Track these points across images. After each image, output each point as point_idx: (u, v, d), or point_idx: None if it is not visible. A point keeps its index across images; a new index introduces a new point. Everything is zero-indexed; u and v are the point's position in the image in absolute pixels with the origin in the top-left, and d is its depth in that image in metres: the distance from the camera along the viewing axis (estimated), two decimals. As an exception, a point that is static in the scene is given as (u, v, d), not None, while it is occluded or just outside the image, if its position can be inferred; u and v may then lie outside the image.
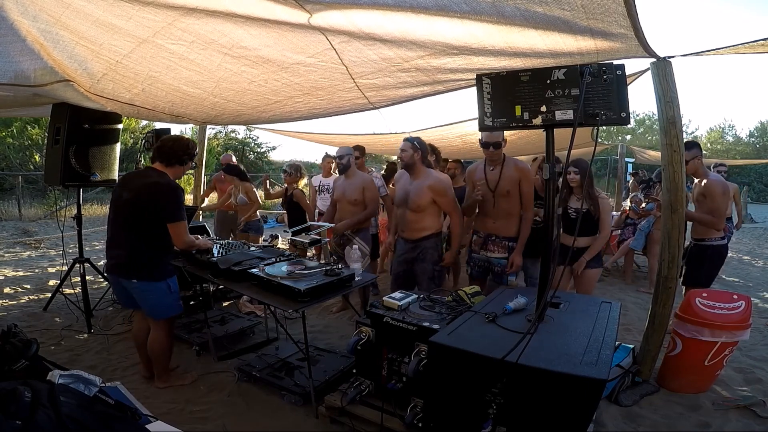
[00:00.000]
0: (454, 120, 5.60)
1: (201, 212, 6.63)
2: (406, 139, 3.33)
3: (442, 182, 3.34)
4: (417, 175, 3.33)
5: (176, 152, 2.66)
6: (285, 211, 5.59)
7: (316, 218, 5.05)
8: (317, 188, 5.48)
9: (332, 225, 3.59)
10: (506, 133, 3.20)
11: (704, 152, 3.62)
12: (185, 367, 3.14)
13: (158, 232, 2.59)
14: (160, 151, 2.67)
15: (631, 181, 8.43)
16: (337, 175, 5.48)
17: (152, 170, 2.68)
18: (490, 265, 3.25)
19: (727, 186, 3.45)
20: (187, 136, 2.93)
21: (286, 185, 5.41)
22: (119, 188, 2.75)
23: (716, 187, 3.32)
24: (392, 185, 5.81)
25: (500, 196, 3.17)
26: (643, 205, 5.74)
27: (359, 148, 4.76)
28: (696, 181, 3.49)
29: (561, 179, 3.33)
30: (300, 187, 5.29)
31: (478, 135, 3.30)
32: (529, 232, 3.20)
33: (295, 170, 5.23)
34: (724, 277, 6.12)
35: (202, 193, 6.50)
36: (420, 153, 3.31)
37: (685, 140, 2.98)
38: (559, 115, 1.78)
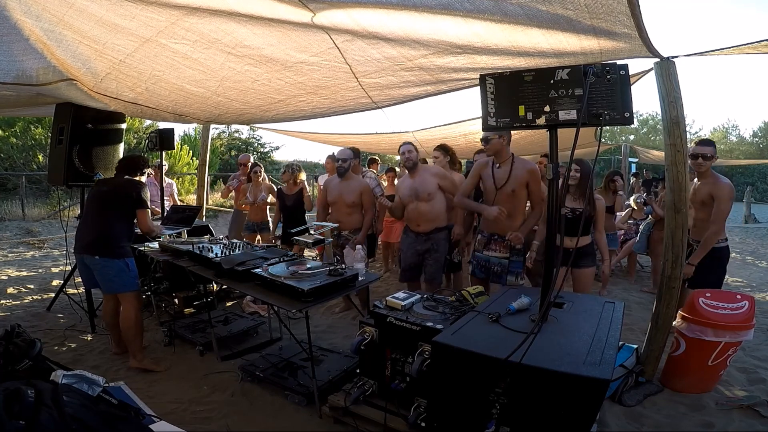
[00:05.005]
0: (457, 119, 5.63)
1: (205, 212, 6.62)
2: (406, 143, 3.72)
3: (441, 169, 3.84)
4: (418, 171, 3.69)
5: (139, 166, 3.33)
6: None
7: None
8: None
9: (335, 225, 3.59)
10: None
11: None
12: (188, 367, 3.15)
13: (124, 218, 3.15)
14: (127, 166, 3.31)
15: (633, 182, 8.41)
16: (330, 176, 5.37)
17: (122, 176, 3.28)
18: (490, 265, 3.26)
19: (733, 190, 3.39)
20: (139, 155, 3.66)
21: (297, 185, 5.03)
22: (96, 187, 3.35)
23: (725, 191, 3.19)
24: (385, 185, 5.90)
25: (504, 195, 3.18)
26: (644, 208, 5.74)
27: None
28: (698, 183, 3.40)
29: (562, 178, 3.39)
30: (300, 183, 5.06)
31: (481, 134, 3.32)
32: (535, 221, 3.26)
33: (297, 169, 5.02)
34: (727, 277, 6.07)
35: (206, 192, 6.50)
36: (418, 152, 3.80)
37: (701, 138, 2.91)
38: (563, 115, 1.77)
